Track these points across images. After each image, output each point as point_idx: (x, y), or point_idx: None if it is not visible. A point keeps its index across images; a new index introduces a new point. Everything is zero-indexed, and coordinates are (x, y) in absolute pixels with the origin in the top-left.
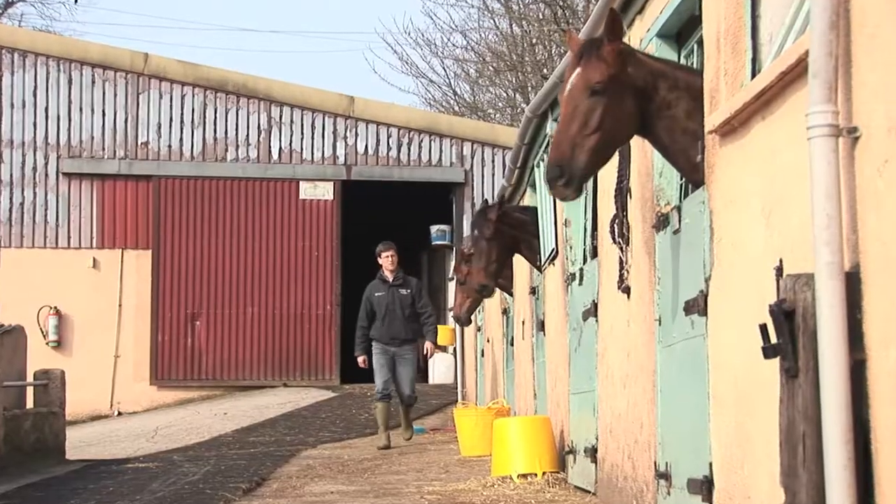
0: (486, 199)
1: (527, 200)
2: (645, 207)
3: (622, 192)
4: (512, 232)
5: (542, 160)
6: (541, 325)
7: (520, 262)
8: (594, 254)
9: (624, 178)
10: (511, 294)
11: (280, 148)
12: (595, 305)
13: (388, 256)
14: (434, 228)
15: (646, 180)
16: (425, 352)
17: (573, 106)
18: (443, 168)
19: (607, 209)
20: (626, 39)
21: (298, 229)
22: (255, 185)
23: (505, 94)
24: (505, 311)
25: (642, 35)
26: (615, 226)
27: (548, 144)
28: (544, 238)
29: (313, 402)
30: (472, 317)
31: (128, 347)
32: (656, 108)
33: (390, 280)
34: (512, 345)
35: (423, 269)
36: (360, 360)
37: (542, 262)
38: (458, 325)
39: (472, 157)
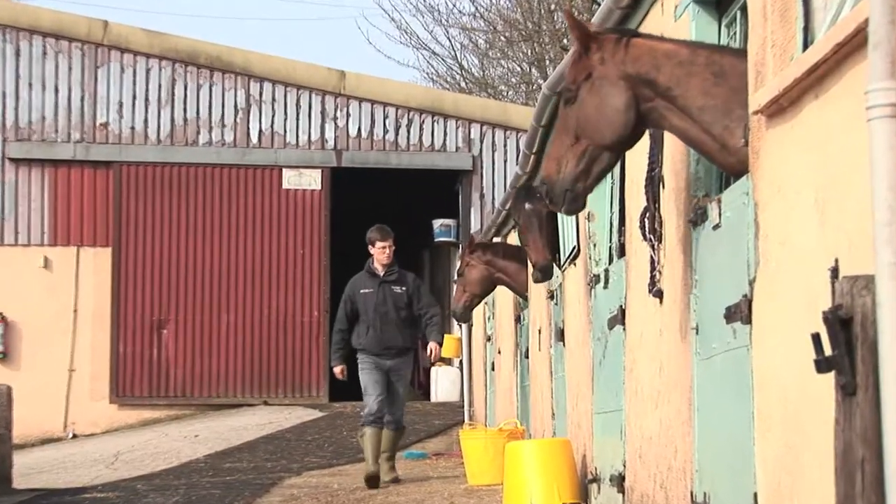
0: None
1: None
2: (680, 199)
3: (654, 182)
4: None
5: None
6: (560, 335)
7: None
8: (621, 252)
9: (655, 166)
10: (525, 298)
11: (260, 130)
12: (622, 312)
13: (383, 248)
14: (437, 223)
15: (681, 167)
16: (428, 353)
17: (558, 119)
18: (447, 153)
19: (636, 201)
20: (657, 7)
21: (281, 224)
22: (232, 173)
23: (519, 69)
24: (518, 319)
25: (677, 1)
26: (646, 220)
27: None
28: (564, 234)
29: (298, 423)
30: (485, 329)
31: (84, 360)
32: (661, 92)
33: (381, 274)
34: (527, 357)
35: (424, 269)
36: (338, 370)
37: (563, 262)
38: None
39: (482, 141)
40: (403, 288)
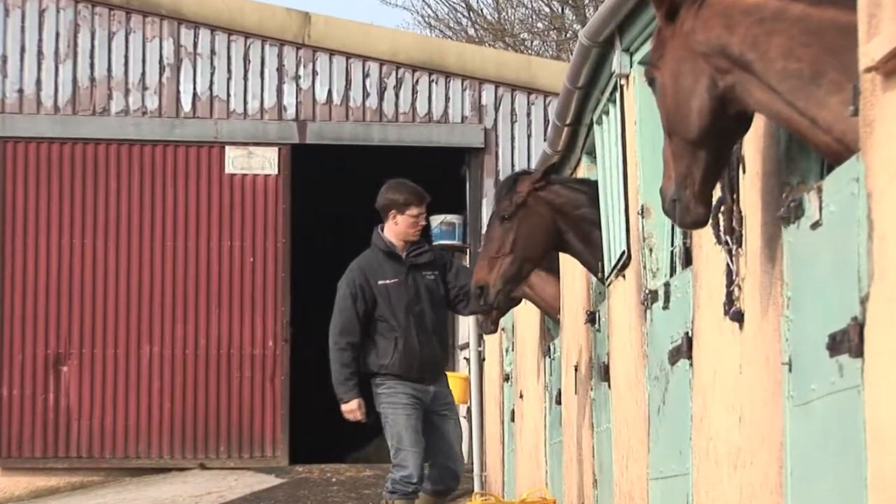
0: (554, 164)
1: (582, 175)
2: (766, 188)
3: (730, 166)
4: (553, 214)
5: (606, 113)
6: (604, 372)
7: (571, 271)
8: (687, 260)
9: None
10: (556, 321)
11: (194, 94)
12: (689, 341)
13: (417, 218)
14: (437, 220)
15: (768, 146)
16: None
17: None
18: (450, 126)
19: None
20: None
21: (223, 222)
22: (156, 153)
23: (548, 10)
24: (547, 352)
25: None
26: (720, 216)
27: (615, 88)
28: (609, 234)
29: (248, 493)
30: (501, 364)
31: None
32: (736, 59)
33: (405, 255)
34: (558, 403)
35: None
36: (355, 407)
37: (606, 272)
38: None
39: (497, 109)
40: (436, 273)
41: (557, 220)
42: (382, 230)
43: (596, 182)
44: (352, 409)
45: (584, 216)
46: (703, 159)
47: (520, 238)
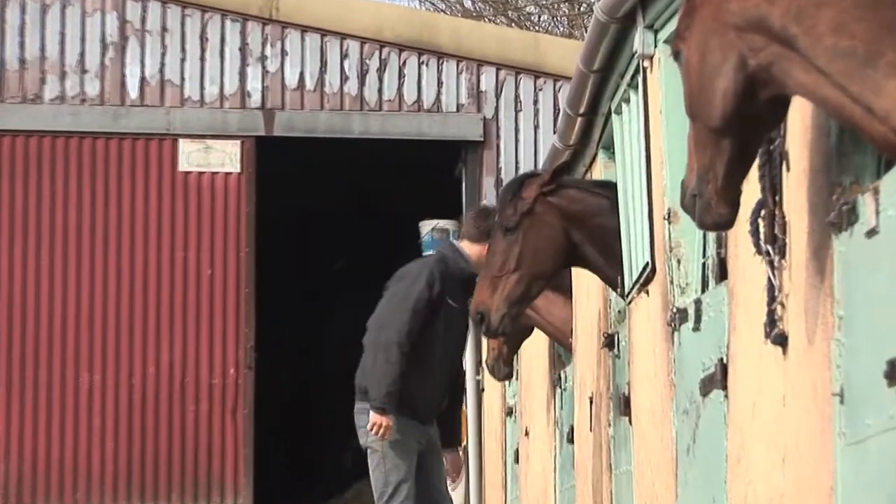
0: (566, 162)
1: (597, 177)
2: (814, 189)
3: (772, 162)
4: (565, 223)
5: (626, 101)
6: (624, 405)
7: (585, 287)
8: (721, 273)
9: (776, 136)
10: (566, 347)
11: (142, 79)
12: (723, 368)
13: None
14: (427, 226)
15: (816, 138)
16: None
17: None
18: (444, 115)
19: (745, 192)
20: None
21: (177, 228)
22: (97, 147)
23: None
24: (557, 381)
25: None
26: (760, 221)
27: (637, 72)
28: (630, 243)
29: None
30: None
31: None
32: (776, 33)
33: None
34: (571, 441)
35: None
36: (389, 423)
37: (627, 288)
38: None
39: (499, 96)
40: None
41: (571, 230)
42: (459, 248)
43: (615, 185)
44: (386, 424)
45: (604, 225)
46: (727, 151)
47: (526, 252)
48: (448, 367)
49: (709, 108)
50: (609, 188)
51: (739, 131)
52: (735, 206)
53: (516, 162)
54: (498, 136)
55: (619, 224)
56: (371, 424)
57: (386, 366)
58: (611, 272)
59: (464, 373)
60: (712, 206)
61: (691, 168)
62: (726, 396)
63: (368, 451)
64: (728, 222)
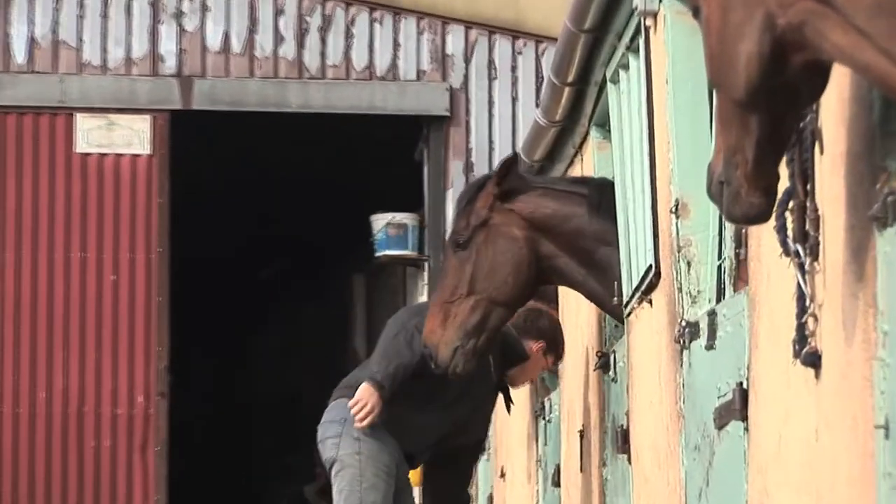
0: (516, 154)
1: (590, 160)
2: (854, 176)
3: (802, 143)
4: (531, 233)
5: (625, 67)
6: (621, 440)
7: (574, 295)
8: (738, 279)
9: (807, 112)
10: (552, 371)
11: (31, 39)
12: (743, 394)
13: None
14: (381, 221)
15: (857, 114)
16: None
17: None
18: (401, 85)
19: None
20: None
21: (73, 222)
22: None
23: None
24: (540, 412)
25: None
26: (788, 216)
27: (637, 32)
28: (630, 242)
29: None
30: None
31: None
32: None
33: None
34: (557, 484)
35: (356, 302)
36: (376, 400)
37: (625, 297)
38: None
39: (469, 61)
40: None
41: (539, 241)
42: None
43: (598, 181)
44: (374, 405)
45: (581, 230)
46: (756, 129)
47: (480, 272)
48: (459, 415)
49: (732, 76)
50: (586, 184)
51: (769, 105)
52: (770, 194)
53: (490, 142)
54: (467, 111)
55: (602, 226)
56: (355, 401)
57: (406, 348)
58: (595, 286)
59: (479, 455)
60: (742, 195)
61: (718, 149)
62: (746, 429)
63: (336, 468)
64: (761, 214)
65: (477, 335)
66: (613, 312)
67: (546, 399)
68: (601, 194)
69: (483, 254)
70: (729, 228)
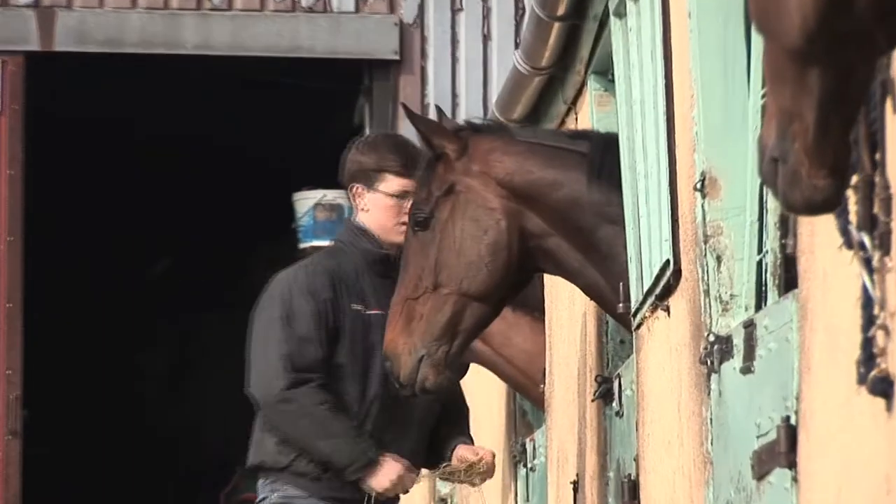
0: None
1: (586, 118)
2: None
3: (869, 102)
4: (512, 204)
5: None
6: (628, 494)
7: (567, 300)
8: (788, 280)
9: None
10: (536, 402)
11: None
12: (790, 432)
13: (397, 197)
14: (307, 201)
15: None
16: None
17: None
18: (333, 19)
19: None
20: None
21: None
22: None
23: None
24: (521, 456)
25: None
26: (849, 195)
27: None
28: (639, 229)
29: None
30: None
31: None
32: None
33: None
34: None
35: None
36: (398, 469)
37: (633, 303)
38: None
39: None
40: None
41: (523, 213)
42: (358, 224)
43: (603, 136)
44: (397, 472)
45: (578, 200)
46: (818, 87)
47: (449, 257)
48: (402, 409)
49: (783, 16)
50: (587, 139)
51: (833, 55)
52: (839, 174)
53: (453, 95)
54: (423, 53)
55: (606, 196)
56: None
57: (299, 426)
58: (595, 276)
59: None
60: (802, 176)
61: (770, 116)
62: (795, 479)
63: None
64: (827, 200)
65: (448, 339)
66: (622, 317)
67: (528, 440)
68: (606, 153)
69: (449, 232)
70: (772, 212)
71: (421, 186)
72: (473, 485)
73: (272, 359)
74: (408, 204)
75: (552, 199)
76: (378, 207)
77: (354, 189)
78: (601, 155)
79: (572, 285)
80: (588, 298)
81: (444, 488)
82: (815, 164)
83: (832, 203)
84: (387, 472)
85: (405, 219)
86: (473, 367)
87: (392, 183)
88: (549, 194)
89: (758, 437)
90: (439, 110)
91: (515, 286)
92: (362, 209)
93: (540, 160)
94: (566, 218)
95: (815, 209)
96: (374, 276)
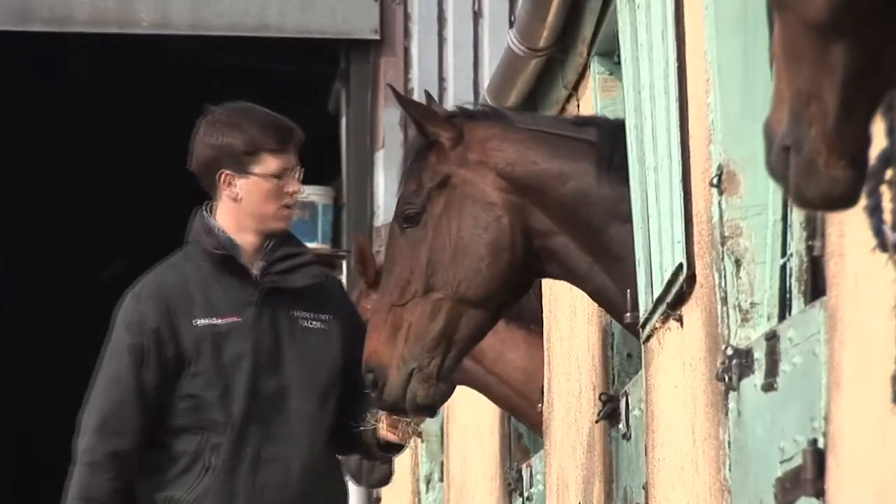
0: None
1: (589, 105)
2: None
3: None
4: (514, 198)
5: None
6: None
7: (568, 310)
8: (815, 287)
9: None
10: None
11: None
12: (818, 457)
13: (279, 176)
14: None
15: None
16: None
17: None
18: None
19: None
20: None
21: None
22: None
23: None
24: (517, 483)
25: None
26: (883, 192)
27: None
28: (649, 230)
29: None
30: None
31: None
32: None
33: (256, 267)
34: None
35: None
36: None
37: (642, 312)
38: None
39: None
40: (327, 316)
41: (527, 209)
42: (211, 215)
43: (612, 123)
44: None
45: (586, 193)
46: (842, 65)
47: (441, 257)
48: (284, 422)
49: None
50: (595, 127)
51: (860, 29)
52: (859, 165)
53: (440, 79)
54: (407, 32)
55: (617, 191)
56: None
57: (71, 498)
58: (604, 281)
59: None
60: (819, 166)
61: (780, 98)
62: None
63: None
64: (846, 194)
65: (442, 351)
66: (632, 327)
67: (524, 466)
68: (616, 142)
69: (443, 229)
70: (798, 211)
71: (410, 178)
72: (406, 435)
73: (92, 408)
74: (287, 183)
75: (558, 193)
76: (255, 193)
77: (221, 177)
78: (611, 144)
79: (573, 292)
80: (591, 307)
81: (426, 468)
82: (834, 152)
83: (851, 198)
84: None
85: (287, 200)
86: (463, 391)
87: (269, 163)
88: (555, 188)
89: (781, 462)
90: (428, 95)
91: (516, 291)
92: (233, 199)
93: (544, 149)
94: (574, 214)
95: (832, 204)
96: (226, 277)
